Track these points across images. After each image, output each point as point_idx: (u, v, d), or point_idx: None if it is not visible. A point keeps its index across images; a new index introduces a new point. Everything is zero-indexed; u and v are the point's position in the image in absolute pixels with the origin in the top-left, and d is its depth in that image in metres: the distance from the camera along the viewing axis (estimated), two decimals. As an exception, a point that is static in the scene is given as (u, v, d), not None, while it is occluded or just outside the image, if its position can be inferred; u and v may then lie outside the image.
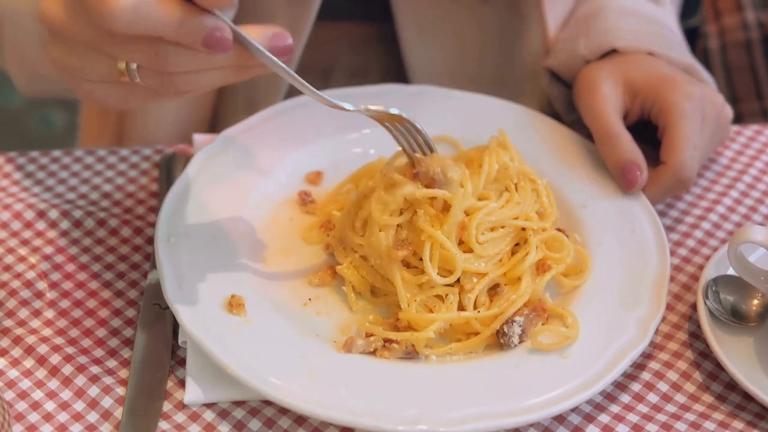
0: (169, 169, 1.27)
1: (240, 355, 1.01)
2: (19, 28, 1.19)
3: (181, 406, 1.03)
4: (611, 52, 1.29)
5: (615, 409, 1.05)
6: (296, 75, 0.95)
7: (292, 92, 1.45)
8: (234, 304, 1.06)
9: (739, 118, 1.88)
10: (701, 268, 1.18)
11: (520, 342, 1.06)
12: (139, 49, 0.89)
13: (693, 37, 1.89)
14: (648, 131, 1.25)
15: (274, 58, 0.92)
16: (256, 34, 0.92)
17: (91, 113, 1.61)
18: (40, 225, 1.21)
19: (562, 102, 1.36)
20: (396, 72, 1.52)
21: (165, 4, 0.86)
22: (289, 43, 0.93)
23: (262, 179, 1.22)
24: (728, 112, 1.28)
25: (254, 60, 0.92)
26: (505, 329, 1.05)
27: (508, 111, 1.32)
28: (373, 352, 1.05)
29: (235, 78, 0.95)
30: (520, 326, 1.06)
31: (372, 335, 1.05)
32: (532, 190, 1.15)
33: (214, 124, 1.50)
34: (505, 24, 1.46)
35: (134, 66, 0.93)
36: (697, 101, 1.22)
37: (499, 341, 1.06)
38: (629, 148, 1.20)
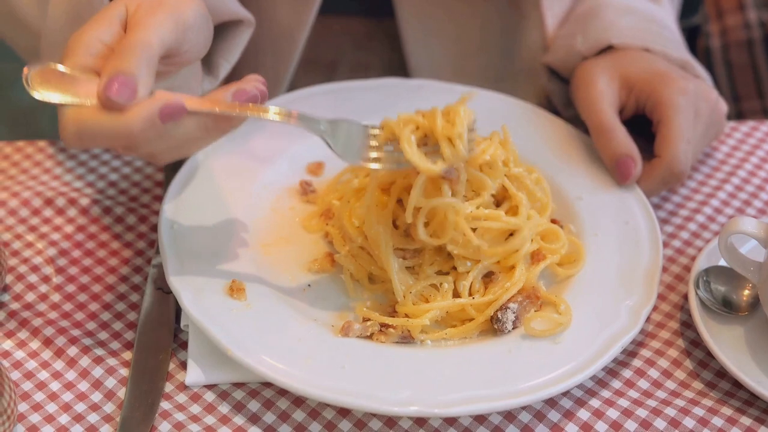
0: (174, 159, 1.29)
1: (240, 339, 1.04)
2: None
3: (183, 387, 1.06)
4: (608, 49, 1.32)
5: (606, 394, 1.07)
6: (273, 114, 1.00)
7: (294, 85, 1.48)
8: (235, 289, 1.08)
9: (740, 116, 1.90)
10: (694, 259, 1.20)
11: (514, 328, 1.08)
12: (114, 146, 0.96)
13: (694, 35, 1.90)
14: (643, 125, 1.27)
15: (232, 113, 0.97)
16: (222, 96, 0.97)
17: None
18: (48, 212, 1.24)
19: (560, 97, 1.38)
20: (398, 67, 1.54)
21: (100, 119, 0.91)
22: (254, 93, 0.98)
23: (264, 169, 1.24)
24: (722, 107, 1.30)
25: (227, 120, 0.97)
26: (499, 315, 1.08)
27: (507, 105, 1.34)
28: (370, 337, 1.07)
29: (216, 136, 0.99)
30: (513, 313, 1.08)
31: (369, 320, 1.08)
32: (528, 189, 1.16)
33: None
34: (506, 21, 1.48)
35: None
36: (691, 96, 1.24)
37: (493, 327, 1.08)
38: (624, 141, 1.22)
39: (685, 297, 1.17)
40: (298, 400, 1.05)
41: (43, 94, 0.94)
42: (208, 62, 1.17)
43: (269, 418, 1.04)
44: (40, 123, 3.23)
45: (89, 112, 0.92)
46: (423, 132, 1.06)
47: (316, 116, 1.03)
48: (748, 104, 1.91)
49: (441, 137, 1.04)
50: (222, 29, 1.17)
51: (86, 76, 0.93)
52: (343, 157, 1.05)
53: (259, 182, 1.23)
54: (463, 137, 1.05)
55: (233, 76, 1.48)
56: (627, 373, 1.10)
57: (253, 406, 1.05)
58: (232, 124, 0.98)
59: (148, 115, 0.91)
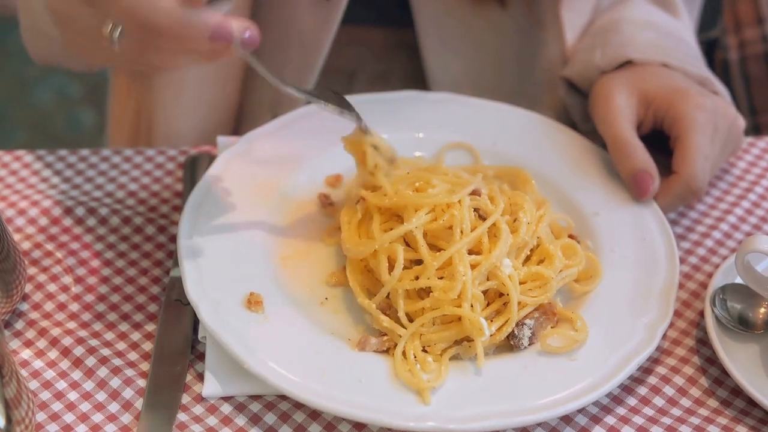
0: (193, 170, 1.30)
1: (257, 351, 1.04)
2: None
3: (200, 398, 1.07)
4: (627, 64, 1.32)
5: (621, 411, 1.08)
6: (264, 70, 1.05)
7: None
8: (253, 302, 1.09)
9: (757, 130, 1.90)
10: (711, 276, 1.20)
11: (530, 344, 1.09)
12: (131, 20, 0.96)
13: (712, 48, 1.91)
14: (662, 140, 1.27)
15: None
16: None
17: (119, 112, 1.65)
18: (67, 221, 1.24)
19: (579, 111, 1.39)
20: (416, 78, 1.55)
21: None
22: (256, 38, 0.99)
23: (283, 181, 1.25)
24: (741, 123, 1.30)
25: (229, 49, 0.99)
26: (516, 332, 1.08)
27: (525, 119, 1.35)
28: (386, 351, 1.07)
29: (206, 61, 1.01)
30: (530, 329, 1.08)
31: (385, 335, 1.08)
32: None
33: (238, 126, 1.53)
34: (524, 34, 1.48)
35: (117, 35, 0.97)
36: (709, 112, 1.24)
37: (509, 343, 1.09)
38: (642, 157, 1.23)
39: (701, 314, 1.17)
40: (315, 414, 1.05)
41: None
42: None
43: (285, 431, 1.04)
44: (58, 127, 3.25)
45: None
46: None
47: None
48: (766, 117, 1.91)
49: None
50: None
51: None
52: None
53: (278, 195, 1.23)
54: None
55: (255, 83, 1.50)
56: (642, 390, 1.10)
57: (270, 418, 1.05)
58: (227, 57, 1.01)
59: (206, 23, 0.95)
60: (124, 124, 1.62)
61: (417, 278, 1.08)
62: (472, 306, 1.06)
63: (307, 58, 1.46)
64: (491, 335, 1.07)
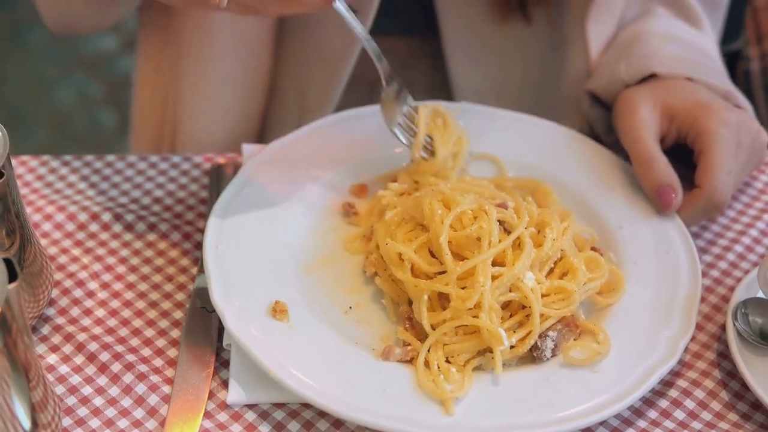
0: (218, 177, 1.31)
1: (282, 360, 1.05)
2: None
3: (224, 406, 1.08)
4: (651, 77, 1.32)
5: (642, 424, 1.08)
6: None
7: (340, 102, 1.49)
8: (278, 310, 1.10)
9: (778, 141, 1.90)
10: (732, 289, 1.21)
11: (553, 356, 1.09)
12: None
13: (734, 60, 1.91)
14: (685, 154, 1.28)
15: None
16: None
17: (143, 118, 1.66)
18: (93, 227, 1.26)
19: (602, 124, 1.39)
20: (441, 87, 1.56)
21: None
22: None
23: (308, 190, 1.26)
24: (764, 137, 1.30)
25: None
26: (538, 343, 1.09)
27: (549, 131, 1.35)
28: (410, 361, 1.08)
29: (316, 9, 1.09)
30: (552, 341, 1.09)
31: (409, 344, 1.09)
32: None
33: (264, 133, 1.54)
34: (548, 49, 1.49)
35: None
36: (733, 127, 1.24)
37: (532, 355, 1.09)
38: (665, 171, 1.23)
39: (723, 327, 1.18)
40: (338, 423, 1.06)
41: None
42: None
43: (309, 439, 1.05)
44: (78, 127, 3.27)
45: None
46: None
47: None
48: (787, 129, 1.91)
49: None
50: None
51: None
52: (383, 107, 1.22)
53: (303, 203, 1.24)
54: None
55: (281, 90, 1.51)
56: (663, 403, 1.10)
57: (293, 427, 1.06)
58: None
59: None
60: (148, 130, 1.63)
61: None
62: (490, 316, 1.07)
63: (333, 74, 1.48)
64: (513, 347, 1.07)
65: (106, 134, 3.24)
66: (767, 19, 1.96)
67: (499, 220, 1.11)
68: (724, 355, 1.15)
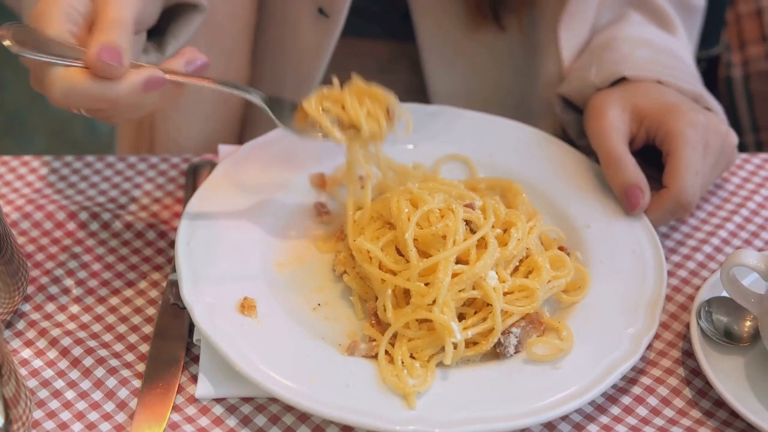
0: (194, 177, 1.33)
1: (249, 355, 1.07)
2: None
3: (193, 399, 1.10)
4: (621, 80, 1.34)
5: (605, 420, 1.10)
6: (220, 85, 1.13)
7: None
8: (246, 306, 1.12)
9: (759, 146, 1.91)
10: (699, 289, 1.22)
11: (516, 352, 1.11)
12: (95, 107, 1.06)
13: (714, 65, 1.92)
14: (655, 156, 1.30)
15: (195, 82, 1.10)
16: (176, 65, 1.07)
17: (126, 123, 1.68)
18: (70, 225, 1.28)
19: (574, 128, 1.41)
20: (419, 91, 1.58)
21: (90, 83, 1.01)
22: (204, 61, 1.10)
23: (280, 189, 1.28)
24: (733, 139, 1.32)
25: (180, 87, 1.08)
26: (502, 339, 1.10)
27: (520, 132, 1.37)
28: (375, 356, 1.10)
29: (169, 103, 1.11)
30: (516, 337, 1.11)
31: (374, 340, 1.11)
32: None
33: (242, 135, 1.56)
34: (522, 56, 1.51)
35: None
36: (701, 128, 1.26)
37: (495, 350, 1.11)
38: (633, 171, 1.25)
39: (688, 326, 1.19)
40: (304, 416, 1.08)
41: (25, 52, 1.01)
42: (158, 39, 1.21)
43: (275, 432, 1.07)
44: (77, 133, 3.29)
45: (80, 75, 1.01)
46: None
47: (250, 88, 1.16)
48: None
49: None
50: (176, 10, 1.20)
51: (69, 42, 1.03)
52: (282, 125, 1.17)
53: (276, 202, 1.26)
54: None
55: (258, 86, 1.53)
56: (626, 400, 1.12)
57: (260, 420, 1.08)
58: (184, 91, 1.09)
59: (133, 85, 1.02)
60: (129, 132, 1.66)
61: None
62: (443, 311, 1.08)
63: (308, 72, 1.49)
64: (477, 343, 1.09)
65: (103, 140, 3.26)
66: (750, 26, 1.97)
67: (465, 220, 1.13)
68: (689, 353, 1.17)
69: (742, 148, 1.93)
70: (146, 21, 1.10)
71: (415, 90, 1.58)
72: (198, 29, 1.23)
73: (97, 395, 1.10)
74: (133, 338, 1.16)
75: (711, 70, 1.91)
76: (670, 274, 1.25)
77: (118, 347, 1.15)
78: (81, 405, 1.09)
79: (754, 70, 1.95)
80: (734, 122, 1.93)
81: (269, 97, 1.16)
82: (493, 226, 1.14)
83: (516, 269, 1.15)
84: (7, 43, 1.02)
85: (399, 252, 1.14)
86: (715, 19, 1.80)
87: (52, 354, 1.13)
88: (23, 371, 1.11)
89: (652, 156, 1.30)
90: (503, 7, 1.47)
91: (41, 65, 1.02)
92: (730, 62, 1.96)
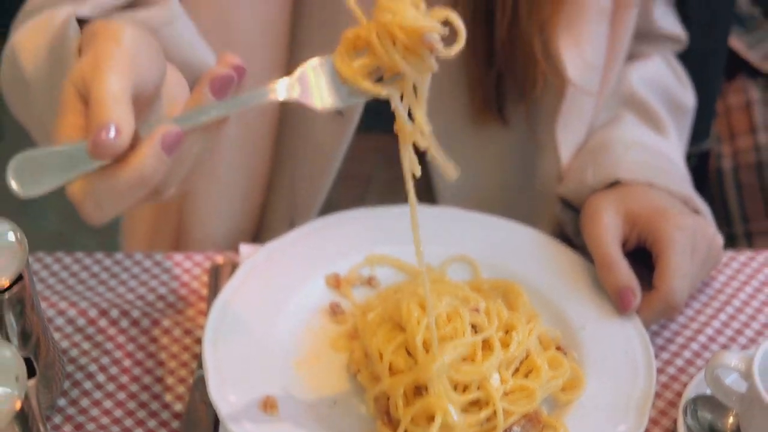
0: (217, 276, 1.42)
1: (272, 451, 1.16)
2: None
3: (219, 493, 1.18)
4: (616, 183, 1.44)
5: None
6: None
7: (330, 197, 1.60)
8: (269, 405, 1.20)
9: (749, 236, 2.00)
10: (686, 386, 1.31)
11: (516, 449, 1.20)
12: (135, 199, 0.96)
13: (705, 160, 2.02)
14: (647, 255, 1.39)
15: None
16: (200, 97, 0.97)
17: (134, 212, 1.77)
18: (102, 322, 1.37)
19: (572, 227, 1.51)
20: (426, 186, 1.66)
21: (109, 177, 0.91)
22: (229, 75, 0.96)
23: (298, 289, 1.37)
24: (719, 241, 1.41)
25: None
26: (503, 437, 1.19)
27: (522, 234, 1.47)
28: (389, 453, 1.19)
29: (218, 135, 1.00)
30: (517, 435, 1.20)
31: (390, 437, 1.20)
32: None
33: (258, 234, 1.65)
34: (524, 152, 1.60)
35: None
36: (689, 232, 1.35)
37: (498, 449, 1.20)
38: (626, 274, 1.34)
39: (676, 422, 1.28)
40: None
41: (39, 184, 0.92)
42: None
43: None
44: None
45: (95, 178, 0.91)
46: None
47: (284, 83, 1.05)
48: (757, 225, 2.01)
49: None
50: None
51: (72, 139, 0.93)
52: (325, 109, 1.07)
53: (294, 303, 1.35)
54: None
55: (276, 182, 1.60)
56: (618, 492, 1.21)
57: None
58: (227, 120, 0.99)
59: (152, 153, 0.91)
60: (141, 224, 1.74)
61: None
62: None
63: (323, 167, 1.58)
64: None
65: (115, 219, 3.33)
66: (739, 118, 2.06)
67: (471, 324, 1.22)
68: (677, 448, 1.26)
69: (733, 238, 2.02)
70: (151, 81, 0.98)
71: (423, 184, 1.66)
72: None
73: (127, 491, 1.18)
74: (162, 433, 1.25)
75: (701, 165, 2.00)
76: (660, 371, 1.34)
77: (149, 442, 1.24)
78: (111, 503, 1.17)
79: (743, 161, 2.04)
80: (725, 213, 2.02)
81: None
82: (496, 330, 1.23)
83: (516, 370, 1.24)
84: (24, 187, 0.93)
85: (409, 353, 1.23)
86: (706, 114, 1.89)
87: (88, 448, 1.22)
88: (61, 464, 1.20)
89: (644, 256, 1.39)
90: (504, 98, 1.56)
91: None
92: (720, 153, 2.05)
